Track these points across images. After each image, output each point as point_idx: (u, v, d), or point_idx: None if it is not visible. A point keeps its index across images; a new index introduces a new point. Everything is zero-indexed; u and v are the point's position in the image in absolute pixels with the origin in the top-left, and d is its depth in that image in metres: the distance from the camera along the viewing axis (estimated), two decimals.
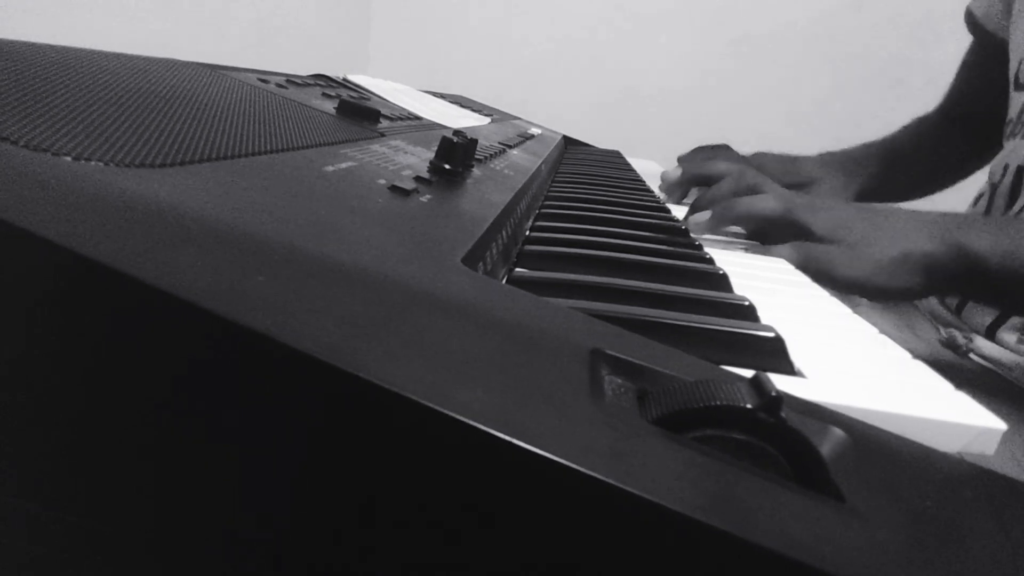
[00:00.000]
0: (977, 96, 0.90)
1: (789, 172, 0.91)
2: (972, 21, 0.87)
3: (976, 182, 0.80)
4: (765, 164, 0.92)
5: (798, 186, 0.89)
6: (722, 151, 0.95)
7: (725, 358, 0.25)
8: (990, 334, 0.65)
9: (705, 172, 0.65)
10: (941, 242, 0.50)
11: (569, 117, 1.46)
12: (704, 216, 0.56)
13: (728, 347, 0.27)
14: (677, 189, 0.70)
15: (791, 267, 0.49)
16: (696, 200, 0.62)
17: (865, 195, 0.95)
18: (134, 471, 0.15)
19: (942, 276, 0.50)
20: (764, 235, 0.56)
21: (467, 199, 0.34)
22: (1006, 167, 0.71)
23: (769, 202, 0.54)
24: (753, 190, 0.59)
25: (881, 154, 0.95)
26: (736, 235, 0.60)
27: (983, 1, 0.85)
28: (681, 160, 0.94)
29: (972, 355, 0.63)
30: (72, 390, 0.15)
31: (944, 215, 0.52)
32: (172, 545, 0.15)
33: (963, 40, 0.89)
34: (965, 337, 0.65)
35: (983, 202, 0.75)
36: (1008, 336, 0.63)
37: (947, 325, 0.71)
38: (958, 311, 0.71)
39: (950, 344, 0.65)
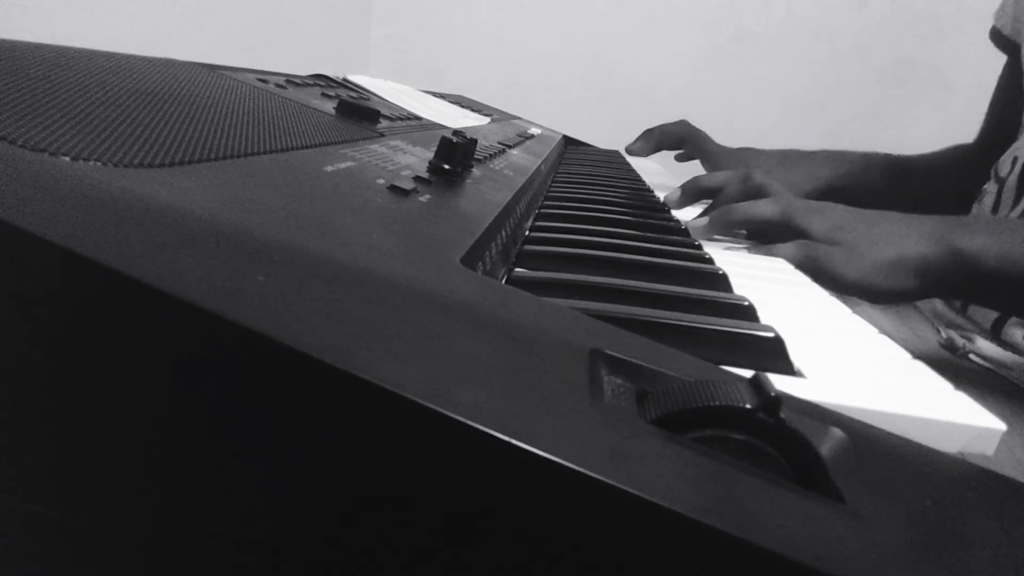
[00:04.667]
0: (1015, 115, 0.84)
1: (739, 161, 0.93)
2: (998, 37, 0.85)
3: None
4: (719, 156, 0.95)
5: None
6: (677, 128, 0.96)
7: (725, 358, 0.25)
8: (996, 329, 0.65)
9: (706, 185, 0.65)
10: (936, 245, 0.51)
11: (569, 117, 1.46)
12: (702, 222, 0.57)
13: (728, 347, 0.27)
14: (684, 206, 0.70)
15: (791, 267, 0.49)
16: (706, 209, 0.62)
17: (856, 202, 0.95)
18: (134, 471, 0.15)
19: (937, 279, 0.51)
20: (764, 236, 0.57)
21: (466, 199, 0.34)
22: (1014, 160, 0.71)
23: (767, 206, 0.55)
24: (759, 192, 0.59)
25: (890, 169, 0.93)
26: (737, 235, 0.60)
27: (1006, 13, 0.83)
28: (632, 150, 0.95)
29: (972, 356, 0.63)
30: (71, 390, 0.15)
31: (940, 218, 0.53)
32: (172, 545, 0.15)
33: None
34: (964, 337, 0.65)
35: (989, 198, 0.75)
36: (1015, 331, 0.63)
37: (949, 324, 0.71)
38: (963, 307, 0.71)
39: (949, 346, 0.65)
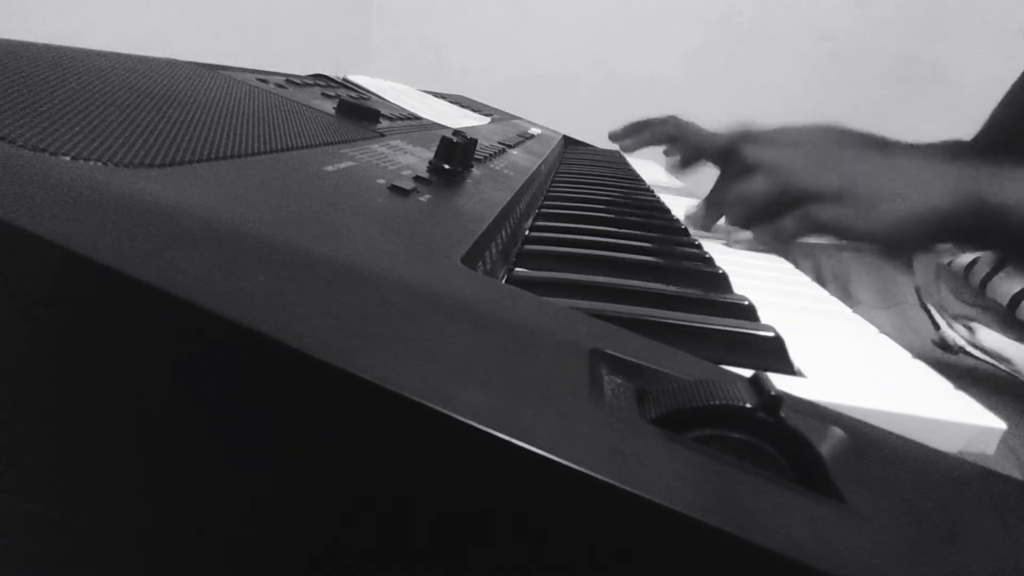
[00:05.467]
0: None
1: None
2: None
3: None
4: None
5: None
6: (665, 123, 0.95)
7: (725, 358, 0.25)
8: (1013, 306, 0.64)
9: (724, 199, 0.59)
10: (961, 196, 0.47)
11: (569, 117, 1.46)
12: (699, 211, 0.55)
13: (728, 347, 0.27)
14: (707, 219, 0.64)
15: (791, 267, 0.49)
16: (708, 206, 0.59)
17: None
18: (134, 470, 0.15)
19: (959, 230, 0.48)
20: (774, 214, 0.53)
21: (466, 199, 0.34)
22: None
23: (760, 185, 0.52)
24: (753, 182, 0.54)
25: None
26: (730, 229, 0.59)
27: None
28: (622, 147, 0.94)
29: (971, 348, 0.63)
30: (71, 390, 0.15)
31: (965, 169, 0.49)
32: (172, 545, 0.15)
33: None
34: (967, 327, 0.64)
35: None
36: None
37: (955, 316, 0.71)
38: (982, 285, 0.69)
39: (942, 344, 0.65)
